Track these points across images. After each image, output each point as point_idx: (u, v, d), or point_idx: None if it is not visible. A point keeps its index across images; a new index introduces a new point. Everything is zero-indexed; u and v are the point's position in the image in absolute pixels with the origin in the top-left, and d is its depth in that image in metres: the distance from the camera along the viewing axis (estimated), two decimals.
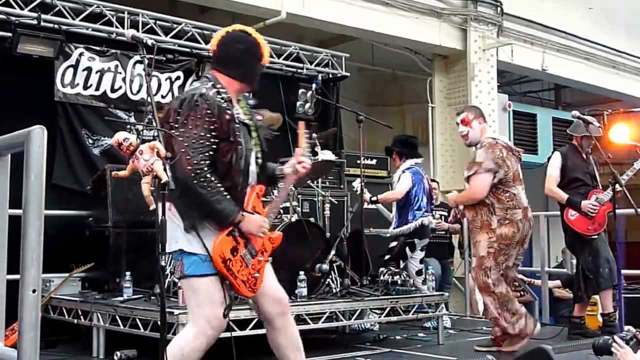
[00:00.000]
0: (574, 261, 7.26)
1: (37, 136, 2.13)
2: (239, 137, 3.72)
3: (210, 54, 4.05)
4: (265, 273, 3.88)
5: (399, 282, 6.84)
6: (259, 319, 5.38)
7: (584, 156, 6.83)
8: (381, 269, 7.03)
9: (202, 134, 3.59)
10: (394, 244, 7.44)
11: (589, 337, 6.23)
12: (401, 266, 7.34)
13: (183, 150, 3.55)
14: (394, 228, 7.55)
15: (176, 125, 3.61)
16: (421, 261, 7.68)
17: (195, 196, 3.59)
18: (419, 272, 7.48)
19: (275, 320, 3.94)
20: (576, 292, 6.83)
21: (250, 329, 5.46)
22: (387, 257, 7.36)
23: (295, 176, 4.03)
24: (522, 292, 10.26)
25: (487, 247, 5.92)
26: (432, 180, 9.46)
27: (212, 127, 3.62)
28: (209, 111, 3.63)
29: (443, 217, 8.98)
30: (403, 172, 7.58)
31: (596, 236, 6.66)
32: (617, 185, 6.32)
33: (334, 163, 7.58)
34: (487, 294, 6.01)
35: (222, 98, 3.73)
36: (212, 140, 3.62)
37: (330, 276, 6.67)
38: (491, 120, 11.02)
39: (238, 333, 5.39)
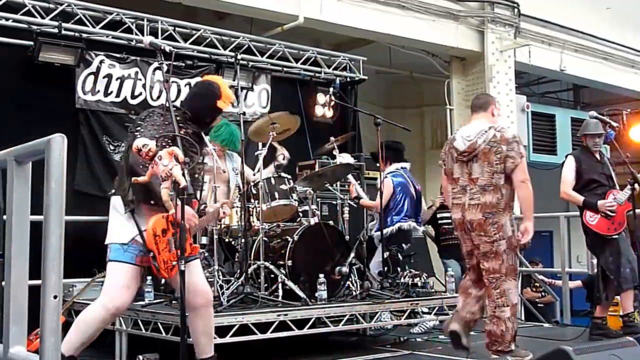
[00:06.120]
0: (595, 261, 7.21)
1: (57, 144, 2.15)
2: None
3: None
4: (194, 270, 4.43)
5: (419, 284, 6.84)
6: (280, 321, 5.46)
7: (597, 157, 6.80)
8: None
9: None
10: (386, 254, 7.24)
11: (610, 337, 6.17)
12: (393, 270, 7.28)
13: None
14: (375, 231, 7.52)
15: None
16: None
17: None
18: (380, 273, 7.27)
19: (199, 310, 4.50)
20: (596, 293, 6.78)
21: (272, 332, 5.49)
22: (386, 269, 7.17)
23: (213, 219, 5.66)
24: (543, 293, 10.26)
25: (511, 226, 5.40)
26: None
27: None
28: None
29: None
30: (385, 177, 7.49)
31: (617, 236, 6.61)
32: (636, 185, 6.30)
33: (352, 166, 7.58)
34: (513, 277, 5.46)
35: None
36: None
37: (350, 279, 6.66)
38: (509, 122, 11.02)
39: (259, 336, 5.43)
